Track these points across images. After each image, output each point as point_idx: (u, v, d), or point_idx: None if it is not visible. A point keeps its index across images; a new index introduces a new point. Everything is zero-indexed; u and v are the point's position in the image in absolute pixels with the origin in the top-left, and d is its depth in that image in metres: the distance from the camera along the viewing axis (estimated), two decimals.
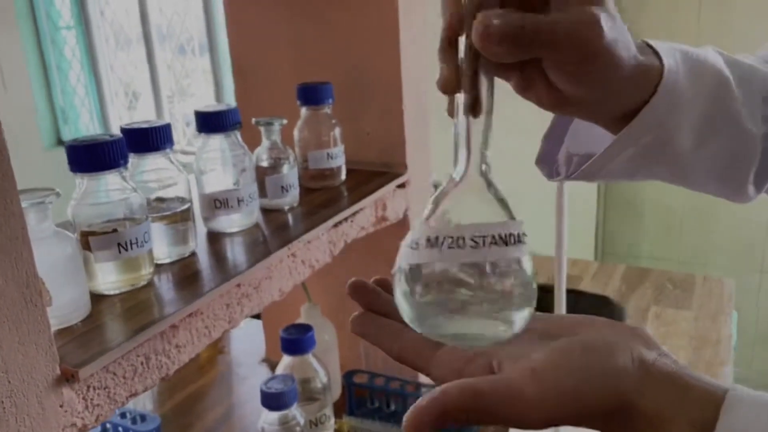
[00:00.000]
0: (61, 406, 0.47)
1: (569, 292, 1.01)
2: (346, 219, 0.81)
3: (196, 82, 3.09)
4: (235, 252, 0.69)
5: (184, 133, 3.19)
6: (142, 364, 0.53)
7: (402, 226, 0.95)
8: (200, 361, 1.17)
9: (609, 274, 1.44)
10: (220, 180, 0.73)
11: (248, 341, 1.24)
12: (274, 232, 0.74)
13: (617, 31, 0.37)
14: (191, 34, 2.98)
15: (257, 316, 1.23)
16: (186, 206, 0.67)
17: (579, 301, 1.37)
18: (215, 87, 2.92)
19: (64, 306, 0.52)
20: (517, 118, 2.44)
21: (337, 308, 1.05)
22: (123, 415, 0.91)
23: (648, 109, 0.41)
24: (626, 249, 2.34)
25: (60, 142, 3.23)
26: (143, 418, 0.90)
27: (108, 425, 0.93)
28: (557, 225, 0.92)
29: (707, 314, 1.26)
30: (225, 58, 2.84)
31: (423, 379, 1.01)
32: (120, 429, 0.91)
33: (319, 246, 0.77)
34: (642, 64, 0.40)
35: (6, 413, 0.43)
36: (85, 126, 3.23)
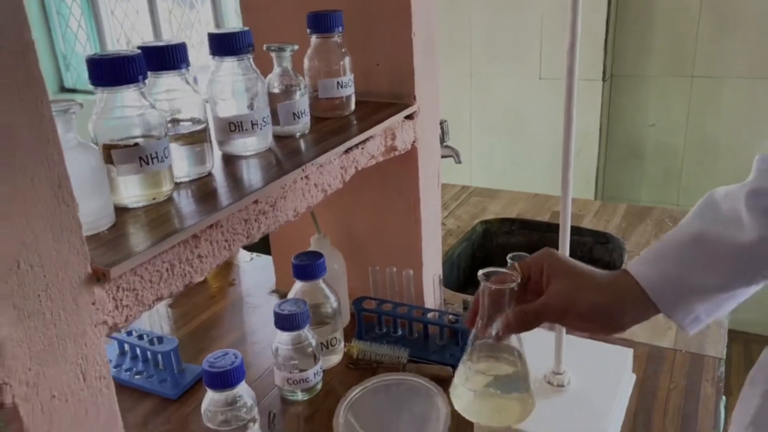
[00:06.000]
0: (93, 304, 0.49)
1: (572, 229, 1.03)
2: (356, 146, 0.82)
3: (198, 34, 3.06)
4: (251, 172, 0.71)
5: None
6: (167, 270, 0.55)
7: (411, 157, 0.97)
8: (211, 291, 1.21)
9: (611, 213, 1.46)
10: (233, 104, 0.74)
11: (258, 275, 1.27)
12: (288, 156, 0.75)
13: (585, 292, 0.61)
14: None
15: (267, 251, 1.26)
16: (202, 126, 0.68)
17: (581, 237, 1.39)
18: None
19: (90, 214, 0.54)
20: (524, 71, 2.42)
21: (345, 239, 1.08)
22: (141, 337, 0.94)
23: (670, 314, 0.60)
24: (626, 193, 2.36)
25: (63, 88, 3.22)
26: (161, 340, 0.93)
27: (126, 346, 0.96)
28: (563, 165, 0.93)
29: None
30: (227, 7, 2.81)
31: (429, 304, 1.04)
32: (138, 350, 0.95)
33: (331, 171, 0.78)
34: (614, 289, 0.61)
35: (42, 306, 0.45)
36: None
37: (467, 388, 0.67)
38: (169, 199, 0.63)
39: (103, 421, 0.50)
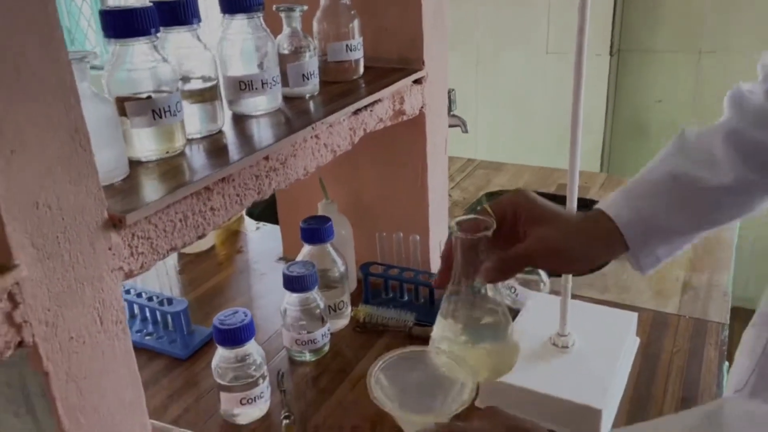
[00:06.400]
0: (109, 249, 0.50)
1: (578, 200, 1.03)
2: (365, 107, 0.83)
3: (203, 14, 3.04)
4: (261, 130, 0.71)
5: None
6: (180, 221, 0.56)
7: (418, 123, 0.97)
8: (219, 258, 1.22)
9: (616, 185, 1.46)
10: (243, 63, 0.75)
11: (265, 243, 1.28)
12: (297, 116, 0.76)
13: (570, 237, 0.61)
14: None
15: (274, 221, 1.26)
16: (212, 83, 0.68)
17: (587, 209, 1.40)
18: None
19: (105, 164, 0.55)
20: (531, 46, 2.40)
21: (352, 205, 1.08)
22: (150, 299, 0.96)
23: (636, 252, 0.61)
24: (632, 169, 2.36)
25: None
26: (170, 301, 0.95)
27: (136, 308, 0.97)
28: (572, 128, 0.93)
29: None
30: None
31: (435, 269, 1.05)
32: (148, 311, 0.96)
33: (340, 131, 0.79)
34: (594, 231, 0.62)
35: (60, 248, 0.46)
36: (92, 48, 3.20)
37: (445, 343, 0.63)
38: (181, 154, 0.63)
39: (119, 363, 0.51)
